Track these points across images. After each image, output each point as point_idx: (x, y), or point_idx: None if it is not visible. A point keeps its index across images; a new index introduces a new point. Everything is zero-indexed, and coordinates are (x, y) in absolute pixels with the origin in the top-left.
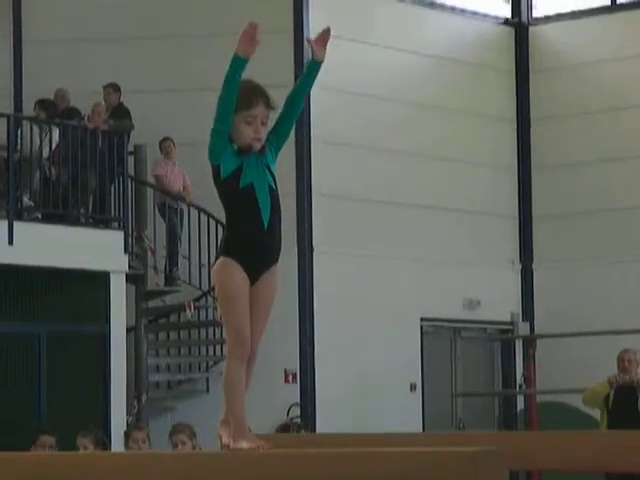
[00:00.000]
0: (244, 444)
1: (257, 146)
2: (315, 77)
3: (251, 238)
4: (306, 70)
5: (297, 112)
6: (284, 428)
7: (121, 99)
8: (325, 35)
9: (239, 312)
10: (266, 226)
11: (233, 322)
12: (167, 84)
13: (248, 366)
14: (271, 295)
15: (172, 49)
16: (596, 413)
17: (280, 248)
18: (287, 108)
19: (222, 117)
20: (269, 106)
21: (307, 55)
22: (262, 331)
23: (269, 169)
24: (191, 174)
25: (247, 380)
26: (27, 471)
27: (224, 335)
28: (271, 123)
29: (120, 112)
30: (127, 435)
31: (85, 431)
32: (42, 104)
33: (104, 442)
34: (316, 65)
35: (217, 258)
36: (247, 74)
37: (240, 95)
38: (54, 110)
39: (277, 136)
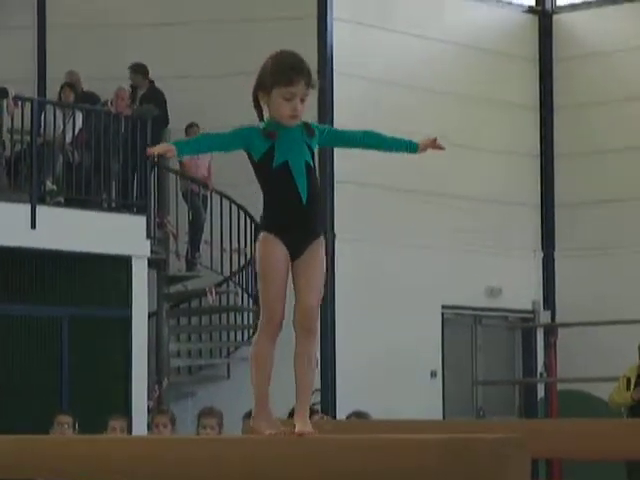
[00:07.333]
0: (263, 425)
1: (292, 123)
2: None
3: (289, 214)
4: (399, 144)
5: (353, 147)
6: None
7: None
8: (435, 144)
9: (273, 290)
10: (305, 201)
11: (266, 299)
12: (194, 70)
13: (305, 332)
14: (317, 263)
15: (199, 35)
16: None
17: (320, 223)
18: (353, 140)
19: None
20: (310, 85)
21: (330, 41)
22: (314, 297)
23: (309, 147)
24: (214, 160)
25: (309, 347)
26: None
27: (246, 320)
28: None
29: (150, 96)
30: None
31: (117, 414)
32: (70, 85)
33: (130, 429)
34: (412, 152)
35: (258, 233)
36: None
37: (281, 69)
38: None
39: (325, 140)
